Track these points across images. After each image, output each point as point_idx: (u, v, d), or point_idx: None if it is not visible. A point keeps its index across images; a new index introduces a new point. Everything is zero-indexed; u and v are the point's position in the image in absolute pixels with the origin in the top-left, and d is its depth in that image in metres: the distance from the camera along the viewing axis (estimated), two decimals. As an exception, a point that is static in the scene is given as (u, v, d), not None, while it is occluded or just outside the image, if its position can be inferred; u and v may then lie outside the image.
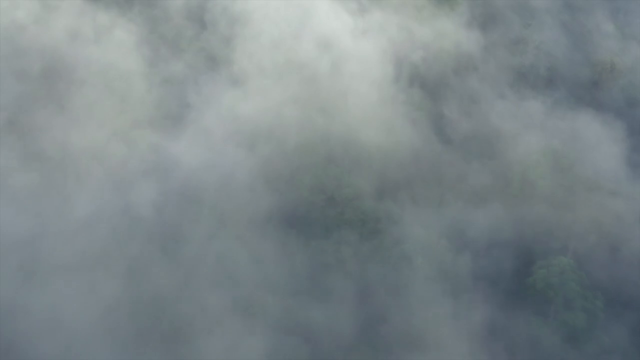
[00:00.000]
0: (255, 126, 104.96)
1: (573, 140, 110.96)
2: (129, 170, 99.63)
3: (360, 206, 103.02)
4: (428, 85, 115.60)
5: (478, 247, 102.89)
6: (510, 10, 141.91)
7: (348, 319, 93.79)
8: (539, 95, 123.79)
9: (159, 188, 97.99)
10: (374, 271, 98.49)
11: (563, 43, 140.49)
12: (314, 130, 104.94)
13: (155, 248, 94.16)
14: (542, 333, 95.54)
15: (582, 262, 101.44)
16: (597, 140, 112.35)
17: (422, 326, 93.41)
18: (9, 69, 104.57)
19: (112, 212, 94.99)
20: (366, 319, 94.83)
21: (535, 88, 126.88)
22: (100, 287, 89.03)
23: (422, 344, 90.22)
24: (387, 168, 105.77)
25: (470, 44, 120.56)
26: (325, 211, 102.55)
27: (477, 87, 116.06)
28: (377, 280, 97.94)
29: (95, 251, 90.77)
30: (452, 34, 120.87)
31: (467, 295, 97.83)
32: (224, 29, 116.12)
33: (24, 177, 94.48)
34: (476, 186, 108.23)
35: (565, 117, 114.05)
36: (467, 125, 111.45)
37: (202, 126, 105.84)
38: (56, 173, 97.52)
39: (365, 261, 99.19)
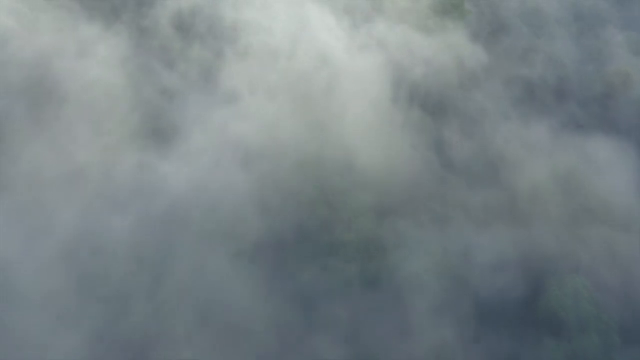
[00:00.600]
0: (247, 146, 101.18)
1: (583, 163, 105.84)
2: (114, 191, 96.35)
3: (358, 229, 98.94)
4: (429, 105, 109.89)
5: (484, 269, 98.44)
6: (520, 20, 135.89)
7: (346, 348, 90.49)
8: (548, 113, 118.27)
9: (145, 210, 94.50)
10: (374, 297, 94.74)
11: (574, 54, 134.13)
12: (309, 151, 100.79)
13: (141, 273, 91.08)
14: (556, 358, 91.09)
15: (594, 283, 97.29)
16: (609, 163, 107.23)
17: (427, 355, 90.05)
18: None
19: (95, 235, 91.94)
20: (365, 348, 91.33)
21: (544, 104, 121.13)
22: (81, 314, 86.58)
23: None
24: (386, 190, 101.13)
25: (475, 58, 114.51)
26: (321, 235, 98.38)
27: (481, 106, 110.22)
28: (377, 307, 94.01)
29: (77, 276, 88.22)
30: (456, 48, 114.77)
31: (474, 320, 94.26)
32: (215, 44, 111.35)
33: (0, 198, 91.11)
34: (481, 208, 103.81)
35: (574, 139, 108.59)
36: (470, 148, 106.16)
37: (192, 145, 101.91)
38: (36, 194, 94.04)
39: (364, 286, 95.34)
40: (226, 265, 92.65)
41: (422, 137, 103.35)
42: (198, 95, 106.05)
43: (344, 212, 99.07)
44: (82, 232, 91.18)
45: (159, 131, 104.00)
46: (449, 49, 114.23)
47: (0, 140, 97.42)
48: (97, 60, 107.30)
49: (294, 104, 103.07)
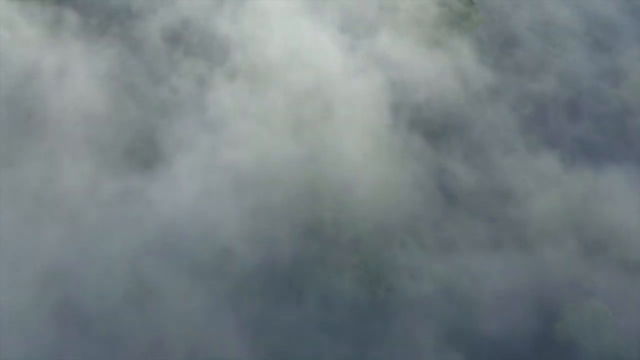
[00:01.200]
0: (238, 173, 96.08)
1: (597, 193, 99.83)
2: (95, 219, 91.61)
3: (356, 259, 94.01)
4: (431, 130, 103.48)
5: (493, 296, 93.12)
6: (531, 33, 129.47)
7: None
8: (559, 137, 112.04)
9: (129, 239, 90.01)
10: (374, 329, 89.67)
11: (588, 69, 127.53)
12: (303, 179, 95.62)
13: (124, 306, 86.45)
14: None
15: (612, 308, 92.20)
16: (624, 192, 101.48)
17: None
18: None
19: (74, 266, 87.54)
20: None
21: (555, 126, 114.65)
22: (59, 348, 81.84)
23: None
24: (385, 218, 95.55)
25: (482, 79, 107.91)
26: (316, 266, 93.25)
27: (487, 132, 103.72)
28: (377, 339, 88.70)
29: (55, 307, 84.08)
30: (462, 66, 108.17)
31: (485, 349, 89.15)
32: (204, 64, 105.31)
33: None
34: (487, 235, 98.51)
35: (587, 168, 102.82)
36: (475, 177, 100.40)
37: (179, 171, 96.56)
38: (13, 226, 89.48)
39: (364, 317, 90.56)
40: (217, 299, 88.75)
41: (424, 165, 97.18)
42: (186, 118, 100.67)
43: (340, 242, 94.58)
44: (60, 262, 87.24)
45: (144, 155, 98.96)
46: (454, 68, 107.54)
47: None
48: (79, 79, 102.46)
49: (287, 129, 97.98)
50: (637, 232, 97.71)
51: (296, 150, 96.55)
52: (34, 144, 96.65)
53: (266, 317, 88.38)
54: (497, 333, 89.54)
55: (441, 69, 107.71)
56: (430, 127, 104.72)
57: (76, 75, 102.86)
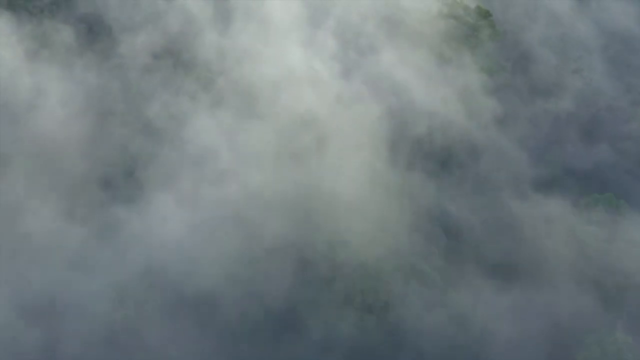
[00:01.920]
0: (226, 210, 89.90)
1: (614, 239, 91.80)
2: (77, 256, 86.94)
3: (354, 297, 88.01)
4: (432, 165, 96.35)
5: (500, 333, 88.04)
6: (547, 49, 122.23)
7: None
8: (575, 167, 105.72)
9: (113, 276, 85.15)
10: None
11: (606, 87, 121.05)
12: (294, 219, 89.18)
13: (107, 348, 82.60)
14: None
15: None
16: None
17: None
18: None
19: (57, 305, 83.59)
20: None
21: (572, 153, 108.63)
22: None
23: None
24: (382, 260, 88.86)
25: (490, 106, 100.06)
26: (309, 309, 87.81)
27: (494, 169, 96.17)
28: None
29: (42, 350, 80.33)
30: (468, 91, 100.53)
31: None
32: (189, 94, 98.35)
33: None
34: (495, 271, 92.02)
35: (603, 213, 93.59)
36: (480, 218, 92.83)
37: (163, 207, 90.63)
38: None
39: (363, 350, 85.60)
40: (205, 342, 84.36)
41: (424, 205, 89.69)
42: (169, 149, 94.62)
43: (336, 281, 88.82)
44: (40, 299, 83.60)
45: (125, 188, 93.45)
46: (460, 93, 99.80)
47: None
48: (55, 103, 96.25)
49: (277, 163, 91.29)
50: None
51: (287, 187, 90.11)
52: (7, 176, 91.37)
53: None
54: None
55: (446, 94, 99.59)
56: (432, 161, 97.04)
57: (53, 99, 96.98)
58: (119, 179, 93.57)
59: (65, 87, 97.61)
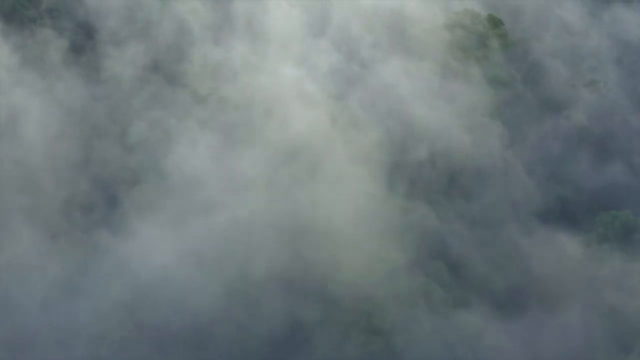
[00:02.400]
0: (214, 241, 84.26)
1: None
2: (56, 286, 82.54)
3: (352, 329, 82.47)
4: (434, 195, 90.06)
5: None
6: (558, 61, 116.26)
7: None
8: (586, 186, 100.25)
9: (95, 308, 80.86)
10: None
11: (621, 100, 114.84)
12: (287, 249, 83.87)
13: None
14: None
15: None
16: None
17: None
18: None
19: (40, 332, 79.38)
20: None
21: (584, 171, 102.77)
22: None
23: None
24: (379, 295, 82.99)
25: (497, 128, 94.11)
26: (302, 346, 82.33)
27: (500, 197, 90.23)
28: None
29: None
30: (473, 109, 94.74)
31: None
32: (175, 119, 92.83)
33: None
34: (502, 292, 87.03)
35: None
36: (484, 254, 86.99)
37: (146, 240, 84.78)
38: None
39: None
40: None
41: (424, 237, 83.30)
42: (157, 178, 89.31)
43: (329, 320, 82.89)
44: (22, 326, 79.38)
45: (109, 215, 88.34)
46: (465, 112, 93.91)
47: None
48: (37, 123, 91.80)
49: (268, 193, 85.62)
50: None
51: (279, 216, 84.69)
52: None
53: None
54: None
55: (450, 114, 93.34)
56: (434, 189, 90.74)
57: (34, 118, 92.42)
58: (101, 205, 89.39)
59: (46, 106, 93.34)
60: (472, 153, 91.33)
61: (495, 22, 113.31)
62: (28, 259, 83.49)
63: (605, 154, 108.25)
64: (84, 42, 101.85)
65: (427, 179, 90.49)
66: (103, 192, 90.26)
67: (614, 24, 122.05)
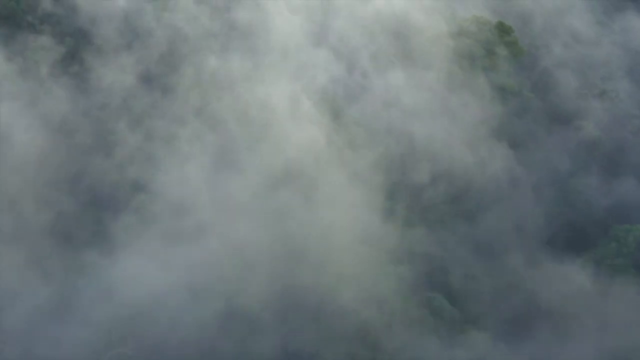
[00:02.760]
0: (203, 268, 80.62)
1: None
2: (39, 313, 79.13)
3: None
4: (434, 219, 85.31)
5: None
6: (567, 71, 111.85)
7: None
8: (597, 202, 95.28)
9: (80, 338, 77.21)
10: None
11: (634, 112, 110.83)
12: (280, 275, 79.98)
13: None
14: None
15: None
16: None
17: None
18: None
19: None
20: None
21: (595, 188, 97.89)
22: None
23: None
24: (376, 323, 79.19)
25: (503, 149, 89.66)
26: None
27: (504, 223, 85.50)
28: None
29: None
30: (479, 126, 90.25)
31: None
32: (164, 139, 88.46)
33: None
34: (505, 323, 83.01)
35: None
36: (489, 286, 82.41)
37: (134, 262, 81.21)
38: None
39: None
40: None
41: (424, 265, 78.88)
42: (146, 200, 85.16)
43: (326, 349, 78.67)
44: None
45: (94, 241, 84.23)
46: (470, 129, 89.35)
47: None
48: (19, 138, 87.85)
49: (262, 217, 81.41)
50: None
51: (273, 243, 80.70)
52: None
53: None
54: None
55: (453, 132, 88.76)
56: (434, 213, 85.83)
57: (20, 130, 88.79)
58: (89, 226, 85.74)
59: (31, 120, 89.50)
60: (476, 174, 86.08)
61: (505, 30, 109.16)
62: (13, 281, 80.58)
63: (617, 167, 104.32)
64: (73, 55, 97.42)
65: (427, 202, 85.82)
66: (90, 213, 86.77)
67: (625, 32, 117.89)
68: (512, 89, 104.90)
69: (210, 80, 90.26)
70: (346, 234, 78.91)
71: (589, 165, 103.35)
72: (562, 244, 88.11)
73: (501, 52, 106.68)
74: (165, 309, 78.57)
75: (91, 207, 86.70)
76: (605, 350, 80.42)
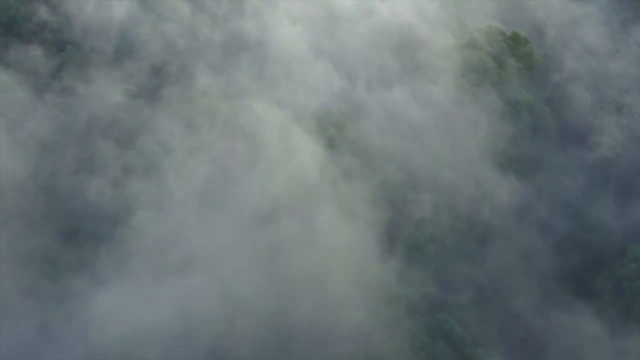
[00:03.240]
0: (193, 307, 76.40)
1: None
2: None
3: None
4: (434, 260, 79.38)
5: None
6: (581, 86, 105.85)
7: None
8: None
9: None
10: None
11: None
12: (273, 318, 75.51)
13: None
14: None
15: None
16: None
17: None
18: None
19: None
20: None
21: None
22: None
23: None
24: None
25: (510, 185, 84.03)
26: None
27: (509, 266, 79.89)
28: None
29: None
30: (484, 155, 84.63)
31: None
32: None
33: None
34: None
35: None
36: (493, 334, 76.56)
37: (117, 301, 77.06)
38: None
39: None
40: None
41: (423, 310, 73.55)
42: (131, 234, 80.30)
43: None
44: None
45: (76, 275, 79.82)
46: (474, 158, 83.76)
47: None
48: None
49: (254, 258, 76.60)
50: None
51: (265, 282, 76.16)
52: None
53: None
54: None
55: (457, 158, 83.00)
56: (434, 254, 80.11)
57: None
58: (69, 263, 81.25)
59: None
60: (481, 208, 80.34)
61: (520, 40, 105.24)
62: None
63: (634, 186, 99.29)
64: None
65: (428, 240, 79.80)
66: (77, 245, 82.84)
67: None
68: (526, 102, 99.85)
69: (200, 104, 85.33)
70: (339, 275, 73.48)
71: (604, 185, 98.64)
72: (577, 267, 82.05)
73: (516, 64, 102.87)
74: (151, 347, 74.80)
75: (76, 238, 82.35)
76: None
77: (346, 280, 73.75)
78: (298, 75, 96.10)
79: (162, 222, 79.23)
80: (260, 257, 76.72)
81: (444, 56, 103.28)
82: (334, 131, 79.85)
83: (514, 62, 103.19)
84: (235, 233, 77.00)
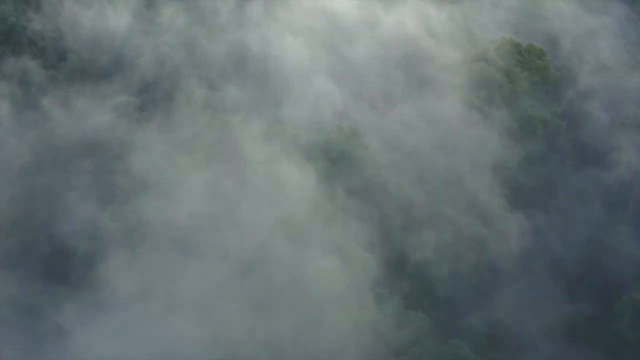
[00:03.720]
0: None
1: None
2: None
3: None
4: (435, 305, 74.06)
5: None
6: (595, 103, 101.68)
7: None
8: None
9: None
10: None
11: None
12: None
13: None
14: None
15: None
16: None
17: None
18: None
19: None
20: None
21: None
22: None
23: None
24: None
25: (519, 220, 78.46)
26: None
27: (518, 311, 74.45)
28: None
29: None
30: (489, 202, 79.12)
31: None
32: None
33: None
34: None
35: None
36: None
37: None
38: None
39: None
40: None
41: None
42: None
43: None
44: None
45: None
46: (480, 194, 78.23)
47: None
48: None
49: (242, 304, 72.31)
50: None
51: (262, 330, 71.18)
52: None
53: None
54: None
55: (461, 193, 77.39)
56: (437, 296, 74.75)
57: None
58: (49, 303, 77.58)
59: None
60: (487, 248, 74.78)
61: (536, 53, 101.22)
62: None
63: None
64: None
65: (429, 282, 74.38)
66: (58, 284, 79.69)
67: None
68: (540, 118, 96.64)
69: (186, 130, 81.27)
70: (334, 323, 68.28)
71: (623, 206, 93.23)
72: (583, 331, 76.46)
73: (530, 78, 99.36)
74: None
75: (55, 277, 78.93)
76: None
77: (341, 329, 68.56)
78: (297, 94, 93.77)
79: (144, 264, 74.25)
80: (249, 303, 72.25)
81: (452, 70, 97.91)
82: (328, 164, 74.10)
83: (528, 75, 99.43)
84: (221, 277, 72.61)
